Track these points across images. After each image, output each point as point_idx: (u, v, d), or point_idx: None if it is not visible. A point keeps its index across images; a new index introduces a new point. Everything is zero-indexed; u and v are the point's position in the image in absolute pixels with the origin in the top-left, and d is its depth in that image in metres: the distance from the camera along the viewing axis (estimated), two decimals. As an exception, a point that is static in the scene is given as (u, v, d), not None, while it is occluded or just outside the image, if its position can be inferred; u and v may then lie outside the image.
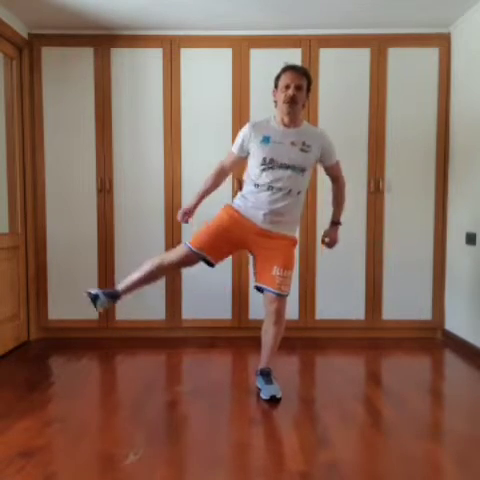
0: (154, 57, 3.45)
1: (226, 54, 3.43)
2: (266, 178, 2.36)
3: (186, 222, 2.60)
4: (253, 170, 2.42)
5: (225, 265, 3.43)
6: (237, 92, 3.45)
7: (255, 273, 2.49)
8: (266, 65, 3.44)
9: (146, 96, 3.47)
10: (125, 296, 2.50)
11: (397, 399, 2.41)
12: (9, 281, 3.26)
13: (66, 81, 3.45)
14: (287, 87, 2.35)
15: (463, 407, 2.37)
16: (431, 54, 3.45)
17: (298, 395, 2.51)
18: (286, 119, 2.40)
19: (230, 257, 3.40)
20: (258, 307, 3.52)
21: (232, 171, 2.63)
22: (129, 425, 2.11)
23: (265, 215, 2.37)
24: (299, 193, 2.41)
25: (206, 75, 3.46)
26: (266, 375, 2.46)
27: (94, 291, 2.45)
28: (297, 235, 2.52)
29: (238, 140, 2.46)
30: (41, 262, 3.52)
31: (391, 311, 3.53)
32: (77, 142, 3.48)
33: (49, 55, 3.44)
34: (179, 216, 2.59)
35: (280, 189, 2.35)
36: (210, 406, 2.32)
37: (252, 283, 3.48)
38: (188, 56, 3.45)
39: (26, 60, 3.41)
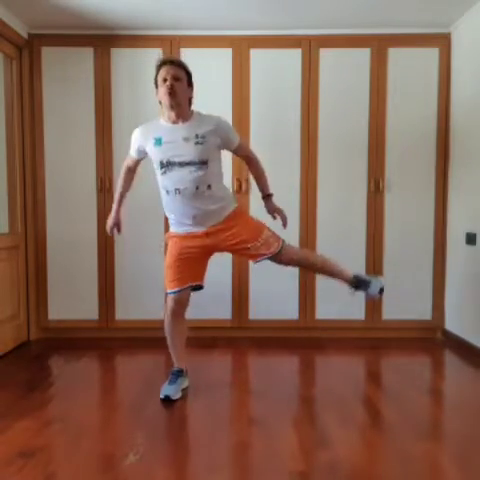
0: (154, 57, 3.42)
1: (226, 54, 3.43)
2: (169, 181, 2.29)
3: (119, 232, 2.62)
4: (158, 176, 2.37)
5: (225, 265, 3.44)
6: (237, 92, 3.45)
7: (247, 258, 2.51)
8: (266, 65, 3.45)
9: (146, 96, 3.46)
10: (183, 365, 2.52)
11: (397, 399, 2.41)
12: (9, 281, 3.26)
13: (66, 81, 3.45)
14: (164, 80, 2.26)
15: (463, 407, 2.37)
16: (431, 54, 3.45)
17: (298, 395, 2.52)
18: (172, 115, 2.29)
19: (229, 257, 3.41)
20: (258, 307, 3.53)
21: (137, 169, 2.61)
22: (129, 425, 2.11)
23: (192, 220, 2.31)
24: (209, 186, 2.30)
25: (206, 75, 3.46)
26: (360, 279, 2.48)
27: (167, 393, 2.38)
28: (234, 204, 2.42)
29: (133, 145, 2.43)
30: (41, 262, 3.52)
31: (391, 311, 3.53)
32: (77, 142, 3.48)
33: (49, 55, 3.44)
34: (110, 232, 2.59)
35: (186, 189, 2.27)
36: (210, 406, 2.32)
37: (252, 283, 3.51)
38: (188, 56, 3.43)
39: (26, 60, 3.41)
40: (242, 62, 3.44)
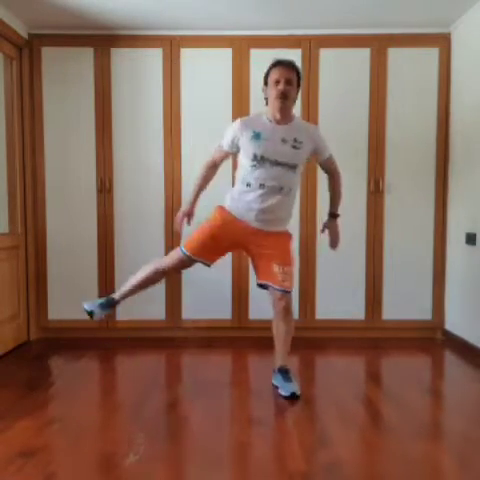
0: (154, 57, 3.45)
1: (226, 54, 3.43)
2: (257, 176, 2.35)
3: (189, 223, 2.59)
4: (244, 168, 2.41)
5: (225, 265, 3.44)
6: (237, 92, 3.45)
7: (256, 272, 2.51)
8: (266, 65, 3.43)
9: (146, 96, 3.47)
10: (122, 301, 2.57)
11: (397, 399, 2.41)
12: (9, 281, 3.26)
13: (66, 81, 3.45)
14: (277, 82, 2.32)
15: (463, 407, 2.37)
16: (431, 54, 3.45)
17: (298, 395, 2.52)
18: (278, 115, 2.37)
19: (229, 257, 3.41)
20: (258, 307, 3.53)
21: (221, 165, 2.62)
22: (129, 425, 2.11)
23: (257, 215, 2.38)
24: (290, 190, 2.40)
25: (206, 75, 3.46)
26: (285, 372, 2.48)
27: (89, 307, 2.54)
28: (289, 229, 2.54)
29: (228, 136, 2.44)
30: (41, 262, 3.52)
31: (391, 311, 3.53)
32: (77, 142, 3.48)
33: (49, 55, 3.44)
34: (180, 220, 2.57)
35: (271, 187, 2.34)
36: (210, 406, 2.32)
37: (252, 283, 3.50)
38: (188, 56, 3.45)
39: (26, 60, 3.41)
40: (242, 62, 3.44)
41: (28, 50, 3.41)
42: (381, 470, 1.78)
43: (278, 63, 2.36)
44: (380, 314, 3.54)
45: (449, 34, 3.43)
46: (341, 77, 3.46)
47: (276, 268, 2.38)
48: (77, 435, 2.01)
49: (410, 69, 3.45)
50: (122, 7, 3.10)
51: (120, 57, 3.45)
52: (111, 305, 2.56)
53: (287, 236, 2.49)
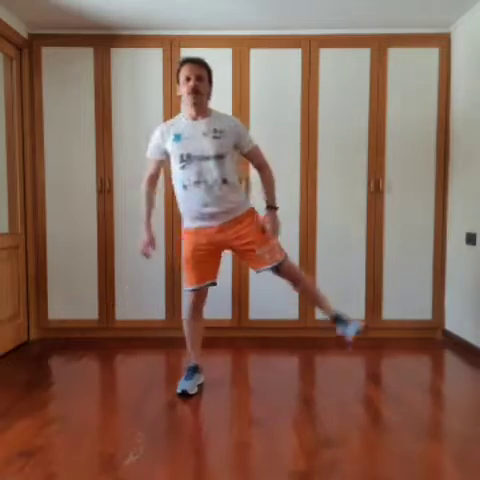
0: (154, 57, 3.45)
1: (226, 54, 3.43)
2: (189, 175, 2.35)
3: (154, 248, 2.53)
4: (175, 171, 2.41)
5: (225, 265, 3.43)
6: (237, 92, 3.44)
7: (249, 264, 2.54)
8: (266, 65, 3.45)
9: (146, 96, 3.47)
10: (199, 362, 2.61)
11: (397, 399, 2.41)
12: (9, 281, 3.26)
13: (66, 81, 3.45)
14: (188, 79, 2.35)
15: (463, 407, 2.37)
16: (431, 54, 3.45)
17: (298, 395, 2.51)
18: (193, 111, 2.37)
19: (229, 258, 3.40)
20: (258, 307, 3.53)
21: (159, 177, 2.59)
22: (129, 425, 2.11)
23: (208, 216, 2.36)
24: (225, 181, 2.35)
25: (206, 75, 3.46)
26: (338, 319, 2.64)
27: (179, 389, 2.45)
28: (248, 205, 2.47)
29: (151, 144, 2.47)
30: (41, 262, 3.52)
31: (391, 311, 3.53)
32: (77, 142, 3.48)
33: (49, 55, 3.44)
34: (145, 251, 2.51)
35: (205, 182, 2.33)
36: (210, 406, 2.32)
37: (252, 283, 3.51)
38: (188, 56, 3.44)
39: (26, 60, 3.41)
40: (242, 62, 3.43)
41: (28, 50, 3.41)
42: (381, 470, 1.78)
43: (187, 60, 2.39)
44: (380, 314, 3.54)
45: (449, 34, 3.43)
46: (341, 77, 3.45)
47: (259, 252, 2.38)
48: (77, 435, 2.01)
49: (410, 69, 3.45)
50: (122, 7, 3.10)
51: (120, 57, 3.45)
52: (193, 370, 2.55)
53: (249, 216, 2.42)
